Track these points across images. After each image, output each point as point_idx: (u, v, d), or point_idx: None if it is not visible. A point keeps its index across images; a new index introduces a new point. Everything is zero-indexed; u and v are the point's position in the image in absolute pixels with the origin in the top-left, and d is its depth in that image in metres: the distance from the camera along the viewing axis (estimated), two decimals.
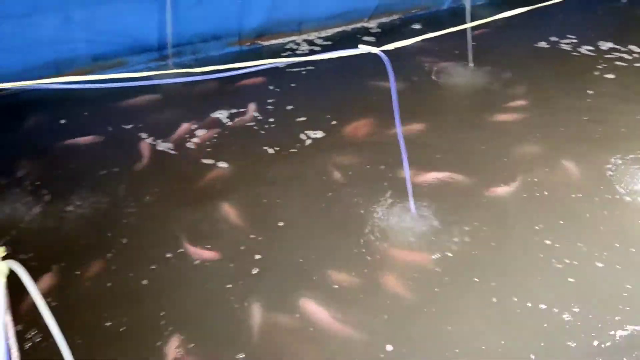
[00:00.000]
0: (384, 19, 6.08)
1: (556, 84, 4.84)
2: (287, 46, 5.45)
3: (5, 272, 1.13)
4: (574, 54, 5.40)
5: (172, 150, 3.92)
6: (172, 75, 3.64)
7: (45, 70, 4.31)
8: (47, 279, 2.91)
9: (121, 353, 2.57)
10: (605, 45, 5.52)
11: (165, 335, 2.63)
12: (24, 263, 1.28)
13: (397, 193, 3.47)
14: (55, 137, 4.01)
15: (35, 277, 1.93)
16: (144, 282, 2.91)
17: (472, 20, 4.05)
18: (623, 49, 5.45)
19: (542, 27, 5.84)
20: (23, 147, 3.90)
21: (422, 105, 4.53)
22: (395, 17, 6.14)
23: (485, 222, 3.32)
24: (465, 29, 4.71)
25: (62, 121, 4.19)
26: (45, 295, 2.65)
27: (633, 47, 5.46)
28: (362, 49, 2.70)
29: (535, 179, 3.67)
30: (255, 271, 2.98)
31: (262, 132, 4.14)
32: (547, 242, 3.19)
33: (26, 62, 4.24)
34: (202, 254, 3.08)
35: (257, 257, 3.07)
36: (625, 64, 5.19)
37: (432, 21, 6.09)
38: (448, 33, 3.12)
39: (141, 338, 2.63)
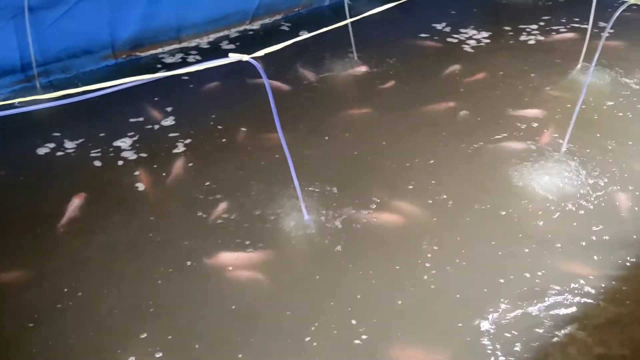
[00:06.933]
0: (267, 20, 5.99)
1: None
2: (163, 56, 5.19)
3: None
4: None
5: None
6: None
7: None
8: None
9: None
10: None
11: None
12: None
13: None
14: None
15: None
16: None
17: (354, 14, 3.95)
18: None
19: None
20: None
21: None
22: (278, 17, 6.06)
23: None
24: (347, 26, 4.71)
25: None
26: None
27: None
28: (232, 57, 2.58)
29: None
30: None
31: None
32: None
33: None
34: None
35: None
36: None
37: (314, 19, 6.07)
38: (331, 30, 3.05)
39: None
